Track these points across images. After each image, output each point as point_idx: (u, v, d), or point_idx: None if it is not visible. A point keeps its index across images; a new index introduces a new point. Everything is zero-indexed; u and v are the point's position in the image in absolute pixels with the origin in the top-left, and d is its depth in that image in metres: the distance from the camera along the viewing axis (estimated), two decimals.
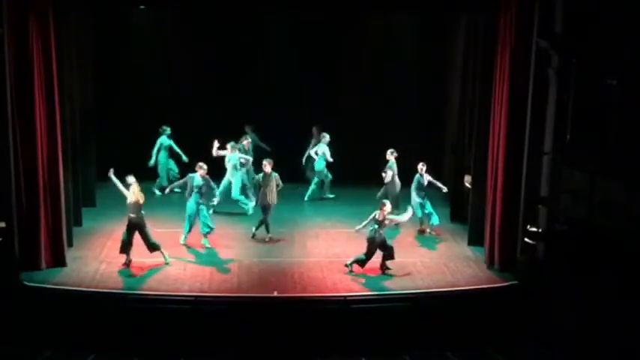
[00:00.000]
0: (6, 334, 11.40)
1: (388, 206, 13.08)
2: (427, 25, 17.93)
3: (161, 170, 17.18)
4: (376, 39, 18.53)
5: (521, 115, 12.58)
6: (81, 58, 14.81)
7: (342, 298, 12.03)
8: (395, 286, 12.56)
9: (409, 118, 18.13)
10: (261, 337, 11.48)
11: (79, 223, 14.73)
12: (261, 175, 14.66)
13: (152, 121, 18.05)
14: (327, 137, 17.01)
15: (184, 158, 17.01)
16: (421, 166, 14.88)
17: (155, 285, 12.32)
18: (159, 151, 17.13)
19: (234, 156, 15.95)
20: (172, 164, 17.34)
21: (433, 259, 13.76)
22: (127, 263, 12.89)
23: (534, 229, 12.36)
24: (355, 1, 15.26)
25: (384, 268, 13.03)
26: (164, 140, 17.17)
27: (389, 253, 12.99)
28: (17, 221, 12.20)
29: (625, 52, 11.05)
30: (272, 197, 14.42)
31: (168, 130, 17.15)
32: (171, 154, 17.27)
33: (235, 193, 15.91)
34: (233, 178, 15.91)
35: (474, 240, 14.28)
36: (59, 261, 12.91)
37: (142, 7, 17.47)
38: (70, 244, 13.57)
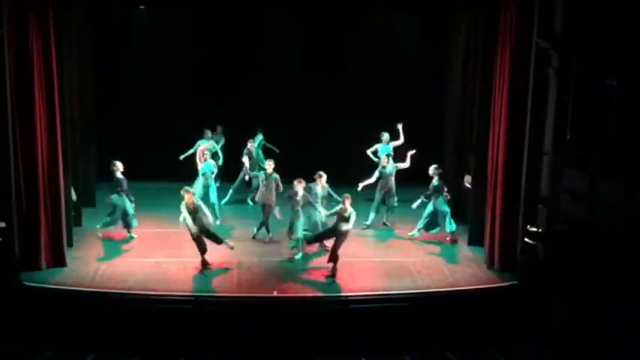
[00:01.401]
0: (6, 334, 11.39)
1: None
2: (427, 25, 17.96)
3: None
4: (376, 39, 18.56)
5: (521, 115, 12.57)
6: (81, 58, 14.83)
7: (342, 298, 12.04)
8: (395, 286, 12.54)
9: (409, 118, 18.13)
10: (261, 337, 11.47)
11: (79, 223, 14.73)
12: (262, 172, 14.70)
13: (152, 121, 18.10)
14: (386, 135, 16.51)
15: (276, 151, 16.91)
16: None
17: (155, 285, 12.30)
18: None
19: (209, 164, 15.47)
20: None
21: (433, 259, 13.75)
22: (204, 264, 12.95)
23: (534, 229, 12.36)
24: (355, 1, 15.25)
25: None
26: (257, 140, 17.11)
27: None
28: (17, 221, 12.18)
29: (625, 52, 11.05)
30: (271, 197, 14.43)
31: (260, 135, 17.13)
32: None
33: (213, 196, 15.37)
34: (209, 184, 15.37)
35: (474, 240, 14.28)
36: (59, 261, 12.89)
37: (142, 7, 17.52)
38: (70, 244, 13.56)
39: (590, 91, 11.58)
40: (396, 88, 18.33)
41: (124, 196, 14.05)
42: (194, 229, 12.75)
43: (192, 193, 12.99)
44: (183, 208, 12.80)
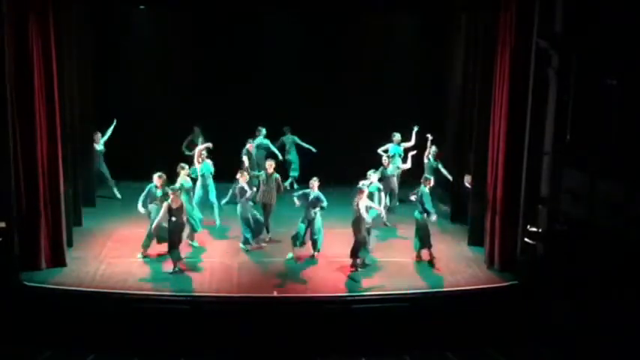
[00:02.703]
0: (6, 334, 11.41)
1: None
2: (427, 25, 17.95)
3: (294, 167, 17.77)
4: (376, 39, 18.54)
5: (521, 115, 12.58)
6: (81, 58, 14.82)
7: (342, 298, 12.04)
8: (395, 286, 12.55)
9: (409, 118, 18.12)
10: (261, 337, 11.49)
11: (79, 223, 14.74)
12: (262, 173, 14.70)
13: (152, 121, 18.08)
14: (397, 136, 16.48)
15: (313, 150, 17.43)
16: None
17: (155, 285, 12.32)
18: (288, 149, 17.54)
19: (207, 164, 15.21)
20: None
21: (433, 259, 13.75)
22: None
23: (534, 229, 12.36)
24: (355, 1, 15.23)
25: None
26: (288, 138, 17.58)
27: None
28: (17, 221, 12.20)
29: (625, 52, 11.05)
30: (272, 197, 14.44)
31: (289, 130, 17.65)
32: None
33: (212, 196, 15.16)
34: (208, 184, 15.15)
35: (474, 240, 14.28)
36: (59, 261, 12.90)
37: (142, 7, 17.51)
38: (70, 244, 13.57)
39: (590, 91, 11.58)
40: (396, 88, 18.32)
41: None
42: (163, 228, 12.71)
43: (178, 194, 12.85)
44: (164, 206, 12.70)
